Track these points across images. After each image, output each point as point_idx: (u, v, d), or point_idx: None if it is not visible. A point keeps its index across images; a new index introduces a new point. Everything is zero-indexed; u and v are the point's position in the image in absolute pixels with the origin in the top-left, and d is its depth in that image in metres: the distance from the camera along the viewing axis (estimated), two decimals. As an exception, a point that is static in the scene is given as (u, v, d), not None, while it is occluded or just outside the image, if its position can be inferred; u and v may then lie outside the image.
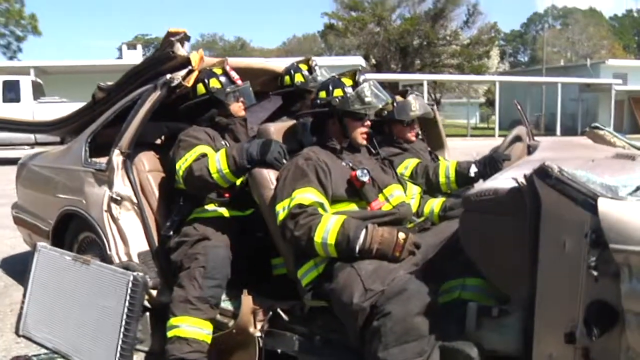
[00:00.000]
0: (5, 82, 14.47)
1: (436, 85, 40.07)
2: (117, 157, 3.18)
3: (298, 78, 3.53)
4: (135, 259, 3.05)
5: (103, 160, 3.31)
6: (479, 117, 47.02)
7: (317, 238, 2.27)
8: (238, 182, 2.92)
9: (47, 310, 3.03)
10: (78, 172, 3.51)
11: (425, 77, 30.27)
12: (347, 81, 2.60)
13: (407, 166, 3.31)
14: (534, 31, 67.28)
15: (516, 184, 1.65)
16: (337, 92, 2.58)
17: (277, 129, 2.86)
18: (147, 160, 3.30)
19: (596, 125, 3.11)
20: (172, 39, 3.06)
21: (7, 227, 5.42)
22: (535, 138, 3.63)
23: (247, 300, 2.71)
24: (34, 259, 3.20)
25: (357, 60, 29.18)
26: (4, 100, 13.96)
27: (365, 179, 2.45)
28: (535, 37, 64.45)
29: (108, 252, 3.13)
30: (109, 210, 3.17)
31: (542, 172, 1.56)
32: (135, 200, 3.15)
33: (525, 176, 1.63)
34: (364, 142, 2.66)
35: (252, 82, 3.63)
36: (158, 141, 3.52)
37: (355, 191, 2.48)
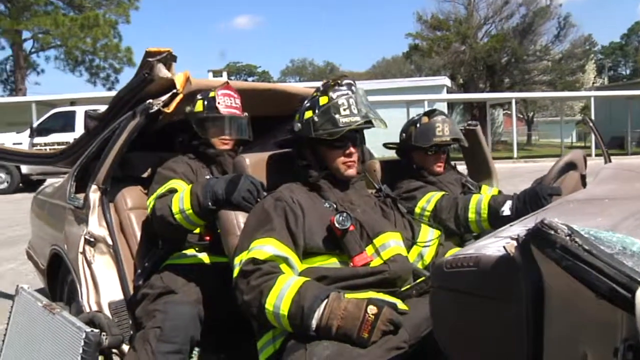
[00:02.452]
0: (57, 114, 15.21)
1: (527, 103, 38.18)
2: (93, 194, 2.80)
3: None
4: (106, 310, 2.63)
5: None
6: (575, 136, 44.21)
7: (269, 305, 1.71)
8: None
9: (20, 358, 2.74)
10: (63, 209, 3.16)
11: (513, 95, 28.61)
12: (323, 100, 2.02)
13: (429, 199, 2.66)
14: (636, 42, 62.87)
15: (507, 252, 1.01)
16: (307, 114, 2.03)
17: (256, 161, 2.33)
18: (131, 197, 2.88)
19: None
20: (151, 59, 2.64)
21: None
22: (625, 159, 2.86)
23: None
24: (15, 302, 2.93)
25: (443, 81, 28.35)
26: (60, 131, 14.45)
27: (347, 225, 1.86)
28: (637, 48, 60.16)
29: (80, 299, 2.73)
30: (84, 252, 2.77)
31: (540, 237, 0.92)
32: (110, 243, 2.73)
33: (517, 240, 0.99)
34: (350, 174, 2.06)
35: (266, 106, 3.18)
36: (146, 174, 3.08)
37: (336, 241, 1.89)
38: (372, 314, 1.59)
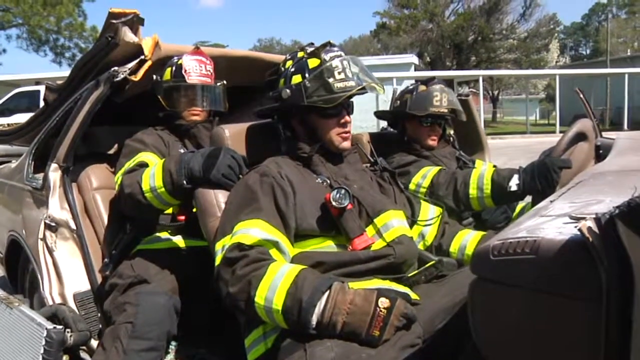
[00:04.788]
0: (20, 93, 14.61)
1: (493, 81, 38.50)
2: (53, 173, 2.52)
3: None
4: (71, 302, 2.38)
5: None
6: (539, 114, 44.95)
7: (259, 299, 1.47)
8: None
9: None
10: (20, 190, 2.87)
11: (480, 73, 28.75)
12: (313, 62, 1.78)
13: (425, 174, 2.46)
14: (597, 22, 63.88)
15: (580, 235, 0.81)
16: (296, 79, 1.78)
17: (236, 132, 2.07)
18: (96, 175, 2.60)
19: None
20: (115, 21, 2.35)
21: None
22: (604, 134, 2.71)
23: None
24: (-30, 295, 2.64)
25: (411, 59, 28.25)
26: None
27: (345, 203, 1.64)
28: (598, 28, 61.18)
29: (41, 291, 2.46)
30: (44, 238, 2.50)
31: (637, 215, 0.72)
32: (74, 227, 2.46)
33: (598, 220, 0.79)
34: (346, 147, 1.84)
35: (241, 74, 2.92)
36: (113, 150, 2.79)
37: (332, 221, 1.68)
38: (384, 308, 1.36)
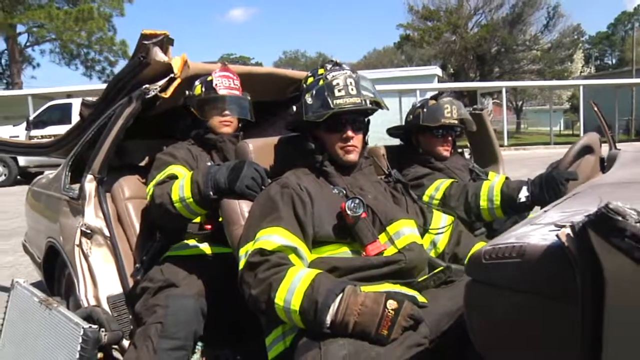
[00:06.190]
0: (53, 106, 15.15)
1: (516, 92, 38.32)
2: (89, 183, 2.69)
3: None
4: (105, 304, 2.53)
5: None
6: (563, 124, 44.52)
7: (279, 300, 1.60)
8: None
9: (15, 354, 2.67)
10: (57, 200, 3.05)
11: (503, 84, 28.60)
12: (322, 80, 1.92)
13: (438, 187, 2.58)
14: (623, 32, 63.13)
15: (557, 241, 0.93)
16: (306, 96, 1.93)
17: (259, 146, 2.22)
18: (128, 186, 2.77)
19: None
20: (147, 42, 2.52)
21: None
22: (624, 145, 2.79)
23: None
24: (10, 296, 2.83)
25: (434, 70, 28.31)
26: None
27: (359, 212, 1.76)
28: (624, 37, 60.42)
29: (77, 294, 2.63)
30: (80, 245, 2.67)
31: (605, 224, 0.83)
32: (107, 234, 2.62)
33: (573, 228, 0.90)
34: (350, 159, 1.96)
35: (264, 90, 3.08)
36: (144, 162, 2.97)
37: (347, 229, 1.80)
38: (392, 309, 1.48)
